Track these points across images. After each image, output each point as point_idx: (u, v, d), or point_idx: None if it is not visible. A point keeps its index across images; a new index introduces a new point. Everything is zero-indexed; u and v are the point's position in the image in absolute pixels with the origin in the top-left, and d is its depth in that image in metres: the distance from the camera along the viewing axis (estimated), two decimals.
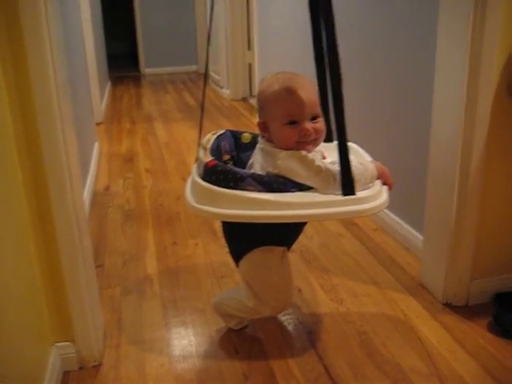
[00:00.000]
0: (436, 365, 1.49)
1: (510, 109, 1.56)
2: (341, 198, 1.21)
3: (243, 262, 1.46)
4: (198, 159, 1.38)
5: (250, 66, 5.39)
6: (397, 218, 2.23)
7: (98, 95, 4.63)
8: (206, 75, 1.54)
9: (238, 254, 1.48)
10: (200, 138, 1.46)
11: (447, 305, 1.76)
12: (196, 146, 1.44)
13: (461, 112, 1.55)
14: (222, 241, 2.24)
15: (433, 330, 1.63)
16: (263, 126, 1.35)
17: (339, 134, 1.18)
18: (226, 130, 1.53)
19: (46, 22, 1.25)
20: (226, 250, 2.16)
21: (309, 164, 1.25)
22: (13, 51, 1.23)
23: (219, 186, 1.25)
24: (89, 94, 3.90)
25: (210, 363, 1.53)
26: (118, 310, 1.80)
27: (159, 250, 2.23)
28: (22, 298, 1.28)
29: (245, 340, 1.62)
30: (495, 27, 1.46)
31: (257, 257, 1.44)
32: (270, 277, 1.47)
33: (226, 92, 5.76)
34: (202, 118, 1.50)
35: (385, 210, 2.29)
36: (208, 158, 1.32)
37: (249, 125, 4.35)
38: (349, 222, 2.41)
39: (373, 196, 1.24)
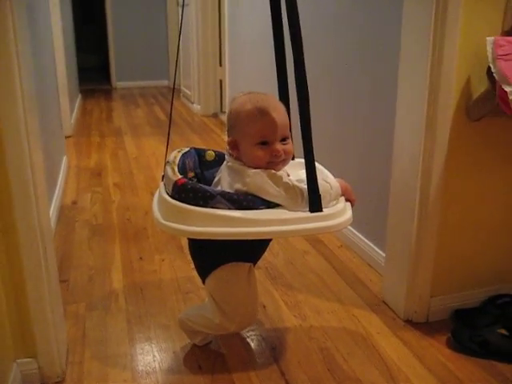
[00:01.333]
0: (395, 380, 1.52)
1: (469, 131, 1.62)
2: (308, 214, 1.25)
3: (210, 279, 1.48)
4: (164, 176, 1.39)
5: (221, 82, 5.44)
6: (361, 236, 2.28)
7: (68, 108, 4.61)
8: (173, 91, 1.56)
9: (204, 271, 1.50)
10: (167, 154, 1.48)
11: (408, 321, 1.80)
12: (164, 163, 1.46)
13: (421, 134, 1.61)
14: (188, 257, 2.25)
15: (393, 346, 1.67)
16: (233, 145, 1.37)
17: (306, 152, 1.22)
18: (191, 148, 1.55)
19: (14, 33, 1.25)
20: (192, 266, 2.17)
21: (277, 182, 1.28)
22: None
23: (189, 203, 1.26)
24: (58, 107, 3.87)
25: (174, 379, 1.54)
26: (82, 325, 1.79)
27: (125, 265, 2.22)
28: None
29: (208, 356, 1.63)
30: (453, 51, 1.52)
31: (223, 273, 1.45)
32: (236, 293, 1.48)
33: (196, 107, 5.78)
34: (169, 133, 1.52)
35: (349, 227, 2.34)
36: (177, 176, 1.33)
37: (218, 141, 4.38)
38: (314, 239, 2.44)
39: (338, 213, 1.28)
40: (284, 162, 1.36)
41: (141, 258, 2.28)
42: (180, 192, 1.28)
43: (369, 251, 2.20)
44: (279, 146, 1.32)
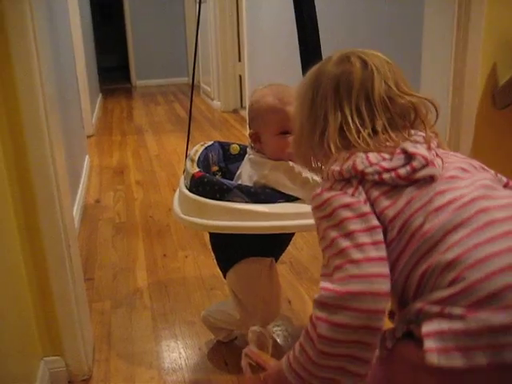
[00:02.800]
0: None
1: (495, 119, 1.58)
2: None
3: (230, 274, 1.47)
4: (185, 170, 1.39)
5: (241, 77, 5.43)
6: None
7: (89, 108, 4.64)
8: (192, 87, 1.56)
9: (225, 266, 1.49)
10: (187, 149, 1.48)
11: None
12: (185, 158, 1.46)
13: (446, 122, 1.57)
14: (212, 253, 2.26)
15: None
16: (255, 137, 1.36)
17: None
18: (215, 142, 1.54)
19: (34, 34, 1.26)
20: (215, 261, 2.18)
21: (295, 175, 1.26)
22: None
23: (206, 197, 1.26)
24: (79, 107, 3.90)
25: (200, 376, 1.54)
26: (107, 323, 1.79)
27: (149, 262, 2.23)
28: (10, 312, 1.28)
29: (234, 352, 1.62)
30: (478, 37, 1.49)
31: (244, 268, 1.44)
32: (258, 288, 1.47)
33: (216, 104, 5.78)
34: (189, 128, 1.52)
35: None
36: (195, 169, 1.33)
37: (239, 136, 4.37)
38: None
39: None
40: None
41: (164, 255, 2.28)
42: (197, 185, 1.28)
43: None
44: None
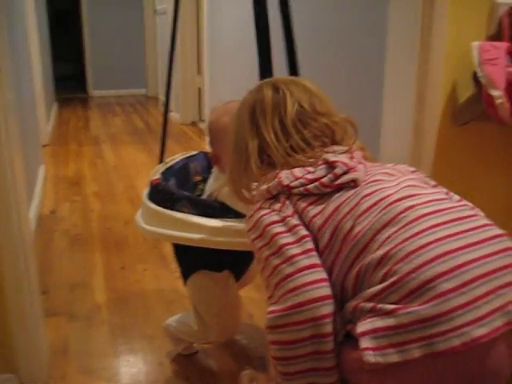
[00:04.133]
0: None
1: (455, 136, 1.62)
2: None
3: (188, 283, 1.46)
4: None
5: (200, 90, 5.41)
6: None
7: (44, 116, 4.53)
8: (167, 103, 1.55)
9: (183, 275, 1.48)
10: (161, 158, 1.46)
11: None
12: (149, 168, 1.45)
13: (408, 140, 1.60)
14: (172, 266, 2.23)
15: None
16: (215, 158, 1.36)
17: None
18: (200, 152, 1.53)
19: None
20: (176, 275, 2.15)
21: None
22: None
23: (159, 205, 1.27)
24: (34, 116, 3.81)
25: None
26: (64, 338, 1.74)
27: (107, 275, 2.17)
28: None
29: (196, 367, 1.60)
30: (440, 57, 1.52)
31: (198, 279, 1.43)
32: (212, 301, 1.45)
33: (175, 116, 5.75)
34: (164, 141, 1.51)
35: None
36: (154, 176, 1.33)
37: (198, 149, 4.32)
38: None
39: None
40: None
41: (123, 268, 2.24)
42: (153, 193, 1.30)
43: None
44: None
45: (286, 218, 0.87)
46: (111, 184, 3.45)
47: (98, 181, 3.52)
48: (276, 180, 0.90)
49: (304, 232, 0.84)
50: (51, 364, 1.59)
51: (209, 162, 1.53)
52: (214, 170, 1.37)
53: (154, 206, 1.29)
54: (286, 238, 0.85)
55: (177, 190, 1.29)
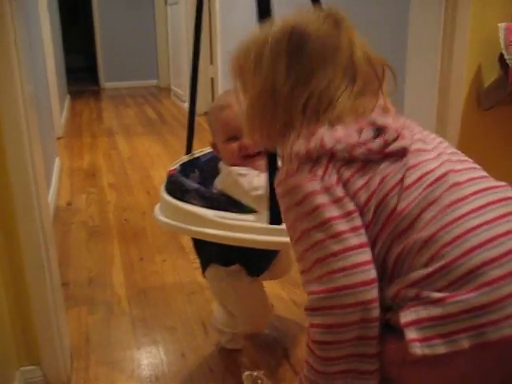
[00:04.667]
0: None
1: (480, 121, 1.59)
2: (265, 226, 1.11)
3: (205, 275, 1.48)
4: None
5: (213, 80, 5.38)
6: None
7: (58, 109, 4.53)
8: (193, 96, 1.52)
9: (201, 267, 1.49)
10: (189, 149, 1.49)
11: None
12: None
13: (431, 124, 1.57)
14: (191, 256, 2.22)
15: None
16: (214, 147, 1.38)
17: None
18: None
19: (14, 34, 1.21)
20: (195, 265, 2.14)
21: (242, 183, 1.21)
22: None
23: (172, 196, 1.27)
24: (49, 108, 3.80)
25: (184, 382, 1.49)
26: (85, 330, 1.73)
27: (126, 266, 2.17)
28: None
29: (219, 358, 1.58)
30: (464, 39, 1.49)
31: (212, 272, 1.44)
32: (229, 293, 1.45)
33: (187, 106, 5.72)
34: (191, 133, 1.48)
35: None
36: (172, 166, 1.34)
37: (211, 139, 4.31)
38: None
39: None
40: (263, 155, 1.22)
41: (141, 259, 2.23)
42: (168, 184, 1.32)
43: None
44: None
45: (330, 187, 0.77)
46: (126, 175, 3.44)
47: (113, 172, 3.52)
48: (317, 141, 0.78)
49: (351, 206, 0.76)
50: (73, 355, 1.59)
51: None
52: (219, 162, 1.37)
53: (166, 196, 1.29)
54: (332, 212, 0.76)
55: (187, 182, 1.28)
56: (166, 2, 6.69)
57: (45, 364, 1.42)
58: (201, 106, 5.55)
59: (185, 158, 1.49)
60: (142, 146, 4.20)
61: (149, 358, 1.59)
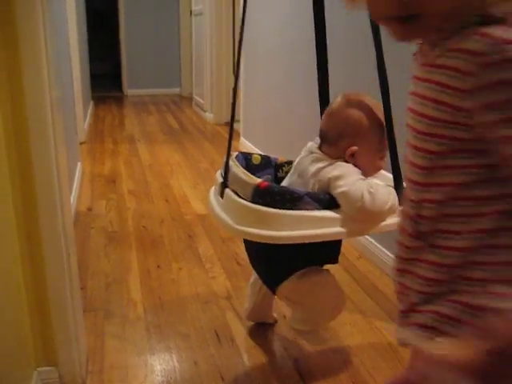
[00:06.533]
0: None
1: None
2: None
3: (288, 284, 1.44)
4: (233, 178, 1.36)
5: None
6: (381, 247, 2.24)
7: (82, 114, 4.61)
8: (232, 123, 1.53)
9: (276, 279, 1.47)
10: (229, 155, 1.43)
11: None
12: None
13: None
14: (207, 266, 2.25)
15: None
16: (351, 154, 1.36)
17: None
18: (239, 153, 1.53)
19: (44, 38, 1.24)
20: (211, 275, 2.17)
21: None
22: (9, 65, 1.22)
23: (274, 207, 1.23)
24: (73, 113, 3.88)
25: None
26: (101, 334, 1.76)
27: (143, 273, 2.20)
28: (5, 320, 1.25)
29: (230, 366, 1.60)
30: None
31: (306, 276, 1.44)
32: (321, 292, 1.49)
33: (209, 116, 5.78)
34: (231, 136, 1.48)
35: (369, 237, 2.31)
36: (255, 179, 1.29)
37: (232, 149, 4.34)
38: None
39: None
40: None
41: (158, 267, 2.26)
42: (264, 196, 1.24)
43: (389, 262, 2.17)
44: None
45: None
46: (146, 183, 3.49)
47: (133, 179, 3.57)
48: None
49: None
50: (89, 359, 1.62)
51: (247, 162, 1.51)
52: (317, 154, 1.39)
53: (282, 210, 1.24)
54: None
55: (295, 189, 1.29)
56: (191, 13, 6.78)
57: (61, 365, 1.46)
58: (222, 117, 5.64)
59: (235, 165, 1.42)
60: (163, 154, 4.25)
61: (162, 364, 1.62)
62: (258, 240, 1.27)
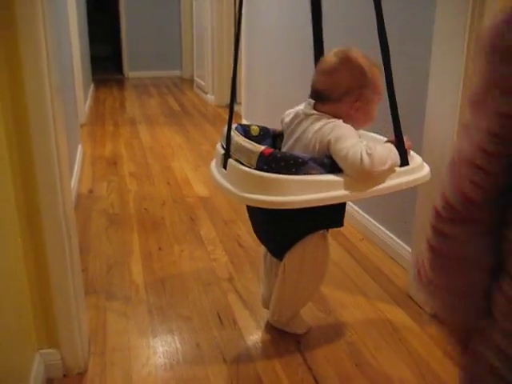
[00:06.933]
0: (425, 376, 1.49)
1: None
2: (400, 169, 1.33)
3: (297, 249, 1.47)
4: (234, 147, 1.35)
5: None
6: (384, 229, 2.23)
7: (82, 97, 4.58)
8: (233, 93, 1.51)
9: (285, 244, 1.48)
10: (230, 126, 1.41)
11: (435, 316, 1.76)
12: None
13: (454, 124, 1.56)
14: (209, 248, 2.24)
15: (421, 341, 1.63)
16: (356, 109, 1.39)
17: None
18: (237, 124, 1.51)
19: (43, 20, 1.23)
20: (213, 256, 2.16)
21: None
22: (7, 49, 1.20)
23: (279, 173, 1.24)
24: (74, 96, 3.85)
25: (198, 371, 1.51)
26: (103, 316, 1.76)
27: (144, 255, 2.19)
28: (8, 302, 1.25)
29: (232, 348, 1.60)
30: None
31: (314, 241, 1.47)
32: (324, 260, 1.54)
33: (210, 98, 5.74)
34: (232, 104, 1.46)
35: (372, 219, 2.30)
36: (258, 146, 1.29)
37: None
38: (335, 232, 2.40)
39: (420, 165, 1.39)
40: None
41: (160, 249, 2.25)
42: (269, 162, 1.25)
43: (392, 244, 2.16)
44: None
45: None
46: (147, 165, 3.47)
47: (134, 161, 3.55)
48: None
49: None
50: (91, 340, 1.62)
51: (245, 133, 1.49)
52: (316, 114, 1.39)
53: (288, 176, 1.25)
54: None
55: (299, 154, 1.29)
56: None
57: (63, 347, 1.46)
58: (224, 99, 5.60)
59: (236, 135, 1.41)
60: (164, 137, 4.23)
61: (164, 346, 1.62)
62: (266, 206, 1.28)
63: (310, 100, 1.42)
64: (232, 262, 2.13)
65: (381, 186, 1.30)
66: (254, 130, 1.52)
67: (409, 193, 1.94)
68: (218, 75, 5.51)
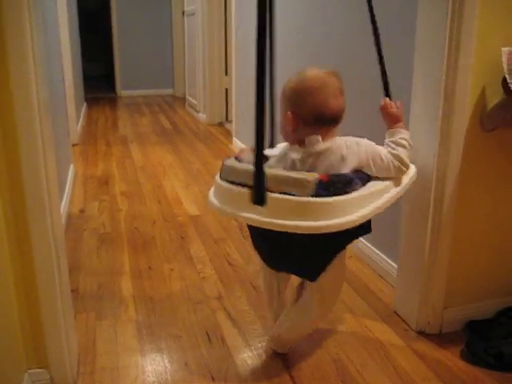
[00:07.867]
0: None
1: (483, 142, 1.61)
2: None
3: (329, 272, 1.45)
4: (260, 183, 1.26)
5: (227, 91, 5.44)
6: (372, 247, 2.26)
7: (75, 116, 4.61)
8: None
9: (318, 266, 1.46)
10: (260, 150, 1.27)
11: (421, 333, 1.78)
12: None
13: (435, 144, 1.60)
14: (199, 267, 2.26)
15: (407, 358, 1.65)
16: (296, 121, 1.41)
17: None
18: (234, 158, 1.50)
19: (31, 36, 1.25)
20: (202, 275, 2.18)
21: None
22: None
23: (337, 195, 1.26)
24: (65, 115, 3.88)
25: None
26: (92, 335, 1.77)
27: (134, 274, 2.21)
28: None
29: (221, 367, 1.62)
30: (468, 61, 1.52)
31: (339, 261, 1.48)
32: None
33: (202, 116, 5.79)
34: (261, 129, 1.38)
35: (360, 238, 2.33)
36: (311, 174, 1.28)
37: (225, 150, 4.37)
38: None
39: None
40: None
41: (150, 268, 2.27)
42: (329, 187, 1.25)
43: (380, 262, 2.19)
44: None
45: None
46: (139, 184, 3.49)
47: (126, 180, 3.57)
48: None
49: None
50: (80, 360, 1.63)
51: None
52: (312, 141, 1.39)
53: (353, 194, 1.28)
54: None
55: (346, 173, 1.33)
56: (183, 13, 6.79)
57: (52, 367, 1.47)
58: (215, 117, 5.65)
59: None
60: (156, 156, 4.26)
61: (153, 364, 1.63)
62: (341, 228, 1.26)
63: (284, 144, 1.48)
64: (221, 280, 2.15)
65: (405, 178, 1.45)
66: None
67: (395, 210, 1.97)
68: (210, 94, 5.57)
